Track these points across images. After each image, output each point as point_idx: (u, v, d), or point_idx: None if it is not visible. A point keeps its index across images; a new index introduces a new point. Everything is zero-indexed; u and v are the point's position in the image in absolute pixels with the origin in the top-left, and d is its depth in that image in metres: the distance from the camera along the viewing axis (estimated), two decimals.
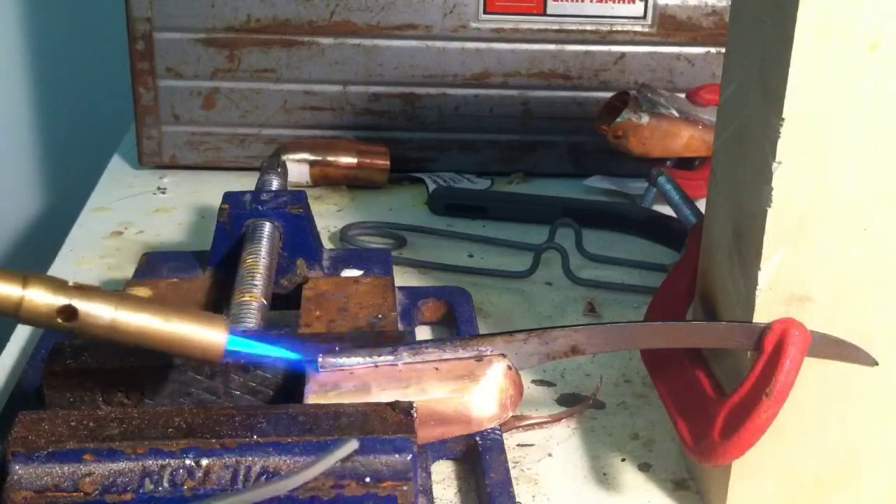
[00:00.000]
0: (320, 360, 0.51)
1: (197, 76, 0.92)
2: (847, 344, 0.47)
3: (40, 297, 0.44)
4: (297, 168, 0.89)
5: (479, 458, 0.54)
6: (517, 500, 0.52)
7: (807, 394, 0.48)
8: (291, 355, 0.51)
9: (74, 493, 0.43)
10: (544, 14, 0.91)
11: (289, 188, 0.76)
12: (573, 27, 0.92)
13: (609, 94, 0.90)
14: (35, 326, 0.47)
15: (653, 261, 0.79)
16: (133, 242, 0.82)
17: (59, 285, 0.45)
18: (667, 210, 0.76)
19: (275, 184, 0.74)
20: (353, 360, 0.51)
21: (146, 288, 0.63)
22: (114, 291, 0.46)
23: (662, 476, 0.56)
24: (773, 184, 0.45)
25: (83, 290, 0.45)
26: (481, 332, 0.67)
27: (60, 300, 0.44)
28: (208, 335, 0.46)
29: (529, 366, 0.52)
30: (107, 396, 0.51)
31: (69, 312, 0.44)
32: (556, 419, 0.60)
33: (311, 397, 0.49)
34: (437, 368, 0.51)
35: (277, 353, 0.51)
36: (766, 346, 0.47)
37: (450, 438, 0.53)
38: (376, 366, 0.51)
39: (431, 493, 0.52)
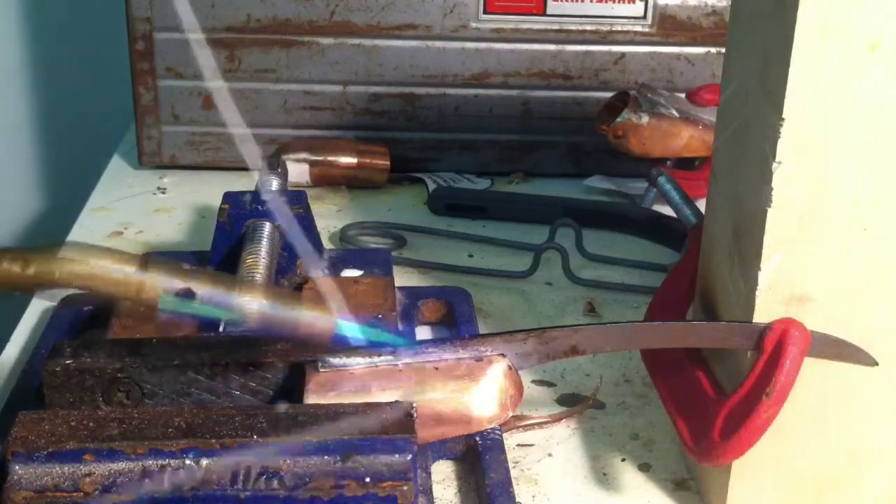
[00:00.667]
0: (320, 360, 0.51)
1: (197, 76, 0.92)
2: (847, 344, 0.47)
3: (159, 281, 0.45)
4: (297, 168, 0.89)
5: (479, 458, 0.54)
6: (517, 500, 0.52)
7: (807, 394, 0.48)
8: (399, 340, 0.52)
9: (74, 493, 0.43)
10: (544, 14, 0.91)
11: (289, 188, 0.76)
12: (573, 27, 0.92)
13: (609, 94, 0.90)
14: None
15: (653, 261, 0.79)
16: (133, 242, 0.82)
17: (176, 269, 0.46)
18: (667, 210, 0.76)
19: (275, 184, 0.74)
20: (353, 360, 0.51)
21: None
22: (226, 275, 0.47)
23: (662, 476, 0.56)
24: (773, 184, 0.45)
25: (198, 273, 0.47)
26: (481, 332, 0.67)
27: (178, 283, 0.45)
28: (319, 321, 0.48)
29: (529, 366, 0.52)
30: (107, 396, 0.51)
31: (187, 296, 0.46)
32: (556, 419, 0.60)
33: (311, 397, 0.49)
34: (437, 368, 0.51)
35: (385, 338, 0.52)
36: (766, 346, 0.47)
37: (450, 438, 0.53)
38: (376, 366, 0.51)
39: (431, 493, 0.52)
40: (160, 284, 0.45)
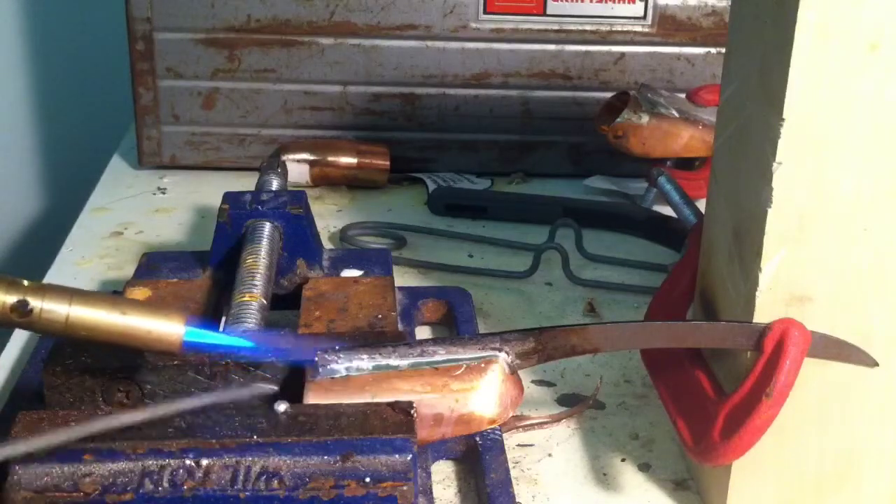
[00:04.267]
0: (318, 360, 0.50)
1: (197, 76, 0.92)
2: (847, 344, 0.47)
3: None
4: (297, 168, 0.89)
5: (479, 458, 0.54)
6: (517, 500, 0.52)
7: (807, 394, 0.48)
8: (247, 344, 0.50)
9: (74, 493, 0.43)
10: (544, 14, 0.91)
11: (289, 188, 0.76)
12: (573, 27, 0.92)
13: (609, 94, 0.90)
14: None
15: (653, 261, 0.79)
16: (133, 242, 0.82)
17: (11, 283, 0.45)
18: (667, 210, 0.76)
19: (275, 184, 0.74)
20: (354, 360, 0.51)
21: (146, 288, 0.63)
22: (69, 288, 0.46)
23: (662, 476, 0.56)
24: (773, 184, 0.45)
25: (37, 287, 0.45)
26: (481, 332, 0.67)
27: (12, 297, 0.44)
28: (165, 328, 0.46)
29: (529, 366, 0.52)
30: (107, 396, 0.51)
31: (23, 309, 0.45)
32: (556, 419, 0.60)
33: (311, 397, 0.49)
34: (437, 368, 0.51)
35: (236, 342, 0.50)
36: (766, 346, 0.47)
37: (450, 438, 0.53)
38: (376, 366, 0.51)
39: (431, 493, 0.52)
40: None
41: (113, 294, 0.52)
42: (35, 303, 0.45)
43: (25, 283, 0.45)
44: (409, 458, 0.45)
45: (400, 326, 0.61)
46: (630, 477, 0.56)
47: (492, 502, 0.51)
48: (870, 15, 0.42)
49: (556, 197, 0.89)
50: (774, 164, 0.45)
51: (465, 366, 0.51)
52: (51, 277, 0.76)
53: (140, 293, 0.63)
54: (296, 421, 0.46)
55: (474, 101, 0.94)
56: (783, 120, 0.44)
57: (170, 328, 0.47)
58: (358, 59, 0.92)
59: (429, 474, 0.53)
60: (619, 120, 0.86)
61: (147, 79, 0.92)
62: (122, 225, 0.85)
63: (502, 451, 0.54)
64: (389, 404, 0.48)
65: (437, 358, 0.51)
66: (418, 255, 0.80)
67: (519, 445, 0.58)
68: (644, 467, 0.57)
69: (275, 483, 0.44)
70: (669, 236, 0.80)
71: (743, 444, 0.47)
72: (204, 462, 0.44)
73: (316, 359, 0.50)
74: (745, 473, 0.50)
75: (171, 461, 0.44)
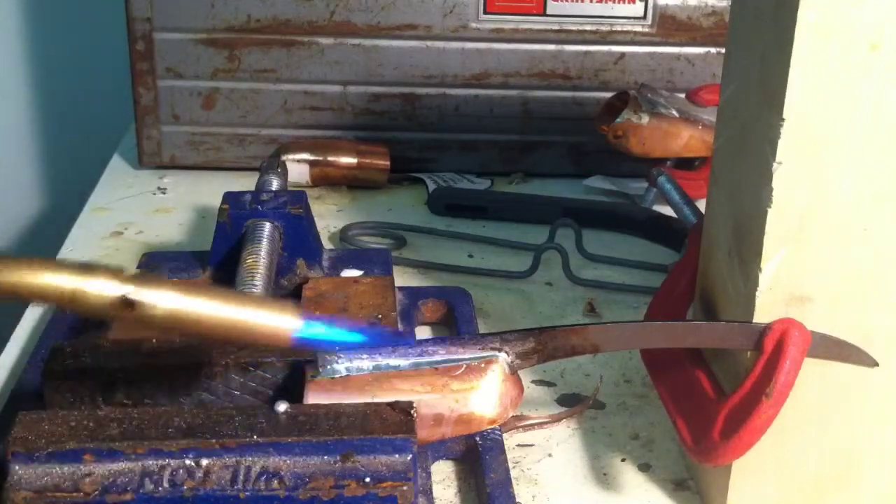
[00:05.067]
0: (318, 360, 0.51)
1: (197, 76, 0.92)
2: (847, 344, 0.47)
3: (96, 288, 0.42)
4: (297, 168, 0.89)
5: (479, 458, 0.54)
6: (517, 500, 0.52)
7: (807, 394, 0.48)
8: (360, 338, 0.50)
9: (74, 493, 0.43)
10: (544, 14, 0.91)
11: (289, 188, 0.76)
12: (573, 27, 0.92)
13: (609, 94, 0.90)
14: (93, 317, 0.45)
15: (653, 261, 0.79)
16: (133, 242, 0.82)
17: (115, 273, 0.43)
18: (667, 210, 0.76)
19: (275, 184, 0.74)
20: (354, 360, 0.51)
21: None
22: (176, 280, 0.45)
23: (662, 476, 0.56)
24: (773, 184, 0.45)
25: (141, 278, 0.44)
26: (481, 332, 0.67)
27: (119, 290, 0.43)
28: (278, 322, 0.45)
29: (529, 366, 0.52)
30: (107, 396, 0.51)
31: (126, 303, 0.43)
32: (556, 419, 0.60)
33: (311, 397, 0.49)
34: (437, 368, 0.51)
35: (348, 337, 0.49)
36: (766, 346, 0.47)
37: (450, 438, 0.53)
38: (376, 366, 0.51)
39: (431, 493, 0.52)
40: (96, 291, 0.42)
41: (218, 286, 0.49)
42: (141, 295, 0.43)
43: (128, 272, 0.43)
44: (409, 458, 0.45)
45: (400, 326, 0.61)
46: (630, 477, 0.56)
47: (492, 502, 0.51)
48: (870, 15, 0.42)
49: (556, 197, 0.89)
50: (774, 164, 0.45)
51: (465, 366, 0.51)
52: None
53: None
54: (296, 421, 0.46)
55: (474, 101, 0.94)
56: (783, 120, 0.44)
57: (283, 323, 0.45)
58: (358, 59, 0.92)
59: (429, 474, 0.53)
60: (619, 120, 0.86)
61: (147, 79, 0.92)
62: (122, 225, 0.85)
63: (502, 451, 0.54)
64: (389, 404, 0.48)
65: (437, 358, 0.51)
66: (418, 255, 0.80)
67: (519, 445, 0.58)
68: (644, 467, 0.57)
69: (275, 483, 0.44)
70: (669, 236, 0.80)
71: (743, 444, 0.47)
72: (204, 462, 0.44)
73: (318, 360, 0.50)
74: (745, 473, 0.50)
75: (171, 461, 0.44)
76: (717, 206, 0.53)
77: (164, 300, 0.43)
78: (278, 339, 0.45)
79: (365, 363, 0.51)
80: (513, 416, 0.55)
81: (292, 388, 0.51)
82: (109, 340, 0.53)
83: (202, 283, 0.45)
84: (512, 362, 0.52)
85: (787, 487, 0.51)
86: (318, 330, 0.47)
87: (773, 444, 0.48)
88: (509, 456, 0.55)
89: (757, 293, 0.47)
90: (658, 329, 0.52)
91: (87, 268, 0.43)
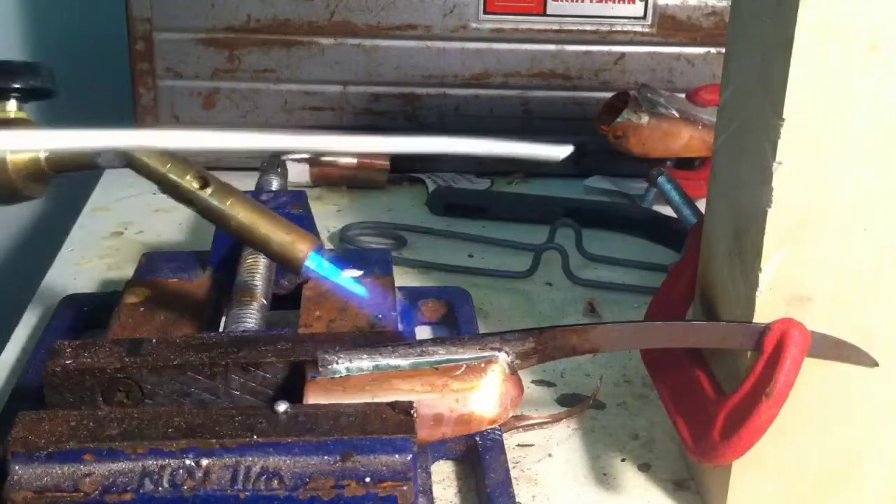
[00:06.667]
0: (318, 359, 0.50)
1: (197, 76, 0.92)
2: (847, 344, 0.47)
3: (180, 168, 0.56)
4: (297, 168, 0.89)
5: (479, 458, 0.54)
6: (517, 500, 0.52)
7: (807, 394, 0.48)
8: (362, 291, 0.57)
9: (74, 493, 0.43)
10: (544, 14, 0.91)
11: (289, 188, 0.76)
12: (573, 27, 0.92)
13: (609, 94, 0.90)
14: (175, 198, 0.57)
15: (653, 261, 0.79)
16: (133, 242, 0.82)
17: (192, 167, 0.56)
18: (667, 210, 0.76)
19: (275, 184, 0.74)
20: (354, 360, 0.51)
21: (146, 288, 0.63)
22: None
23: (662, 476, 0.56)
24: (773, 184, 0.45)
25: (212, 177, 0.55)
26: (481, 332, 0.67)
27: (197, 176, 0.55)
28: (296, 244, 0.53)
29: (529, 366, 0.52)
30: (107, 396, 0.51)
31: (203, 181, 0.55)
32: (556, 419, 0.60)
33: (311, 397, 0.49)
34: (437, 368, 0.51)
35: (352, 287, 0.56)
36: (766, 346, 0.47)
37: (450, 438, 0.53)
38: (376, 366, 0.51)
39: (431, 493, 0.52)
40: (182, 168, 0.56)
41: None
42: (211, 187, 0.55)
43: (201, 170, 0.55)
44: (409, 458, 0.45)
45: (400, 326, 0.61)
46: (630, 477, 0.56)
47: (492, 502, 0.51)
48: (870, 15, 0.42)
49: (556, 197, 0.89)
50: (774, 164, 0.45)
51: (465, 366, 0.51)
52: (51, 277, 0.76)
53: (139, 293, 0.63)
54: (296, 421, 0.46)
55: (474, 101, 0.94)
56: (783, 120, 0.44)
57: (299, 246, 0.53)
58: (358, 59, 0.92)
59: (429, 474, 0.53)
60: (619, 120, 0.86)
61: (147, 79, 0.92)
62: (122, 225, 0.85)
63: (502, 451, 0.54)
64: (389, 404, 0.48)
65: (437, 358, 0.51)
66: (418, 255, 0.80)
67: (519, 445, 0.58)
68: (644, 467, 0.57)
69: (275, 483, 0.44)
70: (669, 236, 0.80)
71: (743, 444, 0.46)
72: (204, 462, 0.44)
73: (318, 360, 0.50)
74: (745, 473, 0.50)
75: (171, 461, 0.44)
76: (717, 205, 0.53)
77: (223, 187, 0.55)
78: (291, 257, 0.54)
79: (365, 363, 0.51)
80: (513, 416, 0.55)
81: (292, 388, 0.51)
82: (109, 340, 0.53)
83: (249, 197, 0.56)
84: (512, 362, 0.52)
85: (788, 487, 0.51)
86: (325, 266, 0.54)
87: (773, 444, 0.48)
88: (509, 456, 0.55)
89: (757, 293, 0.47)
90: (658, 329, 0.52)
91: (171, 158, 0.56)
